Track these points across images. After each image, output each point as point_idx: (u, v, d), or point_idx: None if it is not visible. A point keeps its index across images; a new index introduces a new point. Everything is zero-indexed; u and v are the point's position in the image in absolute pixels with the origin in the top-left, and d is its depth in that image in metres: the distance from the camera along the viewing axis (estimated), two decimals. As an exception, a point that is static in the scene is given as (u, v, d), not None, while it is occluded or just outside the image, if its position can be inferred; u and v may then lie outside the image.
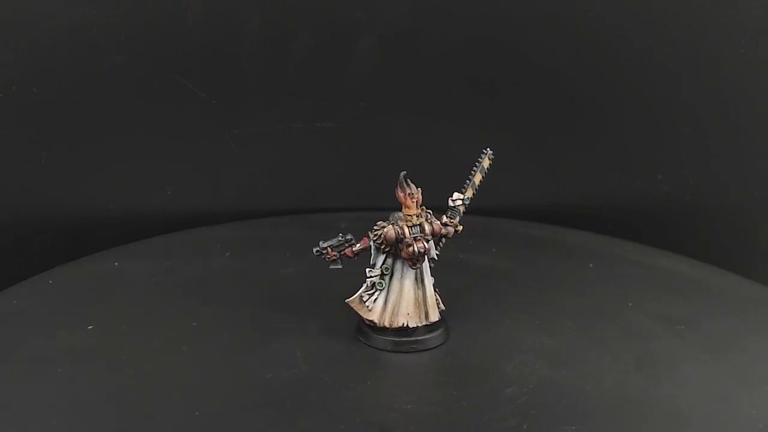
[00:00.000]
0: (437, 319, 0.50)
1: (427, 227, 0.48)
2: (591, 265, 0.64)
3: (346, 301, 0.50)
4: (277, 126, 0.75)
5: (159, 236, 0.69)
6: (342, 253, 0.49)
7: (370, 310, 0.49)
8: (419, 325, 0.49)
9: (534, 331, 0.52)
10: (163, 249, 0.66)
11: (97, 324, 0.51)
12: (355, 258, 0.49)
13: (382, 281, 0.49)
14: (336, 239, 0.49)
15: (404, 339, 0.49)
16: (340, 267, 0.49)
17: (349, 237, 0.49)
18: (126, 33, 0.68)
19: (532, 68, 0.75)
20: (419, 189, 0.48)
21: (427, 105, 0.76)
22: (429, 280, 0.50)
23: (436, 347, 0.50)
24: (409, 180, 0.48)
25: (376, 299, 0.49)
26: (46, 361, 0.47)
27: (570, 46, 0.74)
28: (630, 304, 0.57)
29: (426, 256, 0.49)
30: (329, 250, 0.48)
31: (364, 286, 0.49)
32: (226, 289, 0.57)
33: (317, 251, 0.49)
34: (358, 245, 0.49)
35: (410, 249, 0.47)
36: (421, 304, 0.49)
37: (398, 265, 0.49)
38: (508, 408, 0.44)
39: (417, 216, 0.48)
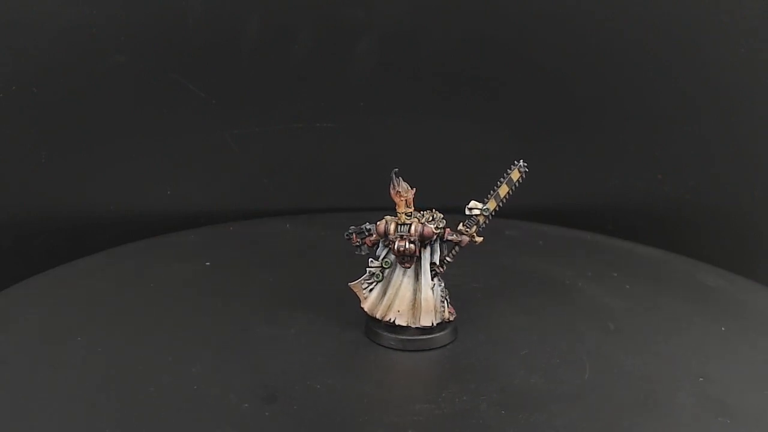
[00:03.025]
0: (430, 325, 0.49)
1: (414, 228, 0.48)
2: (723, 328, 0.54)
3: (349, 284, 0.51)
4: (277, 126, 0.75)
5: (285, 216, 0.75)
6: (362, 241, 0.50)
7: (365, 299, 0.50)
8: (411, 325, 0.50)
9: (536, 368, 0.47)
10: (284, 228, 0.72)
11: (215, 262, 0.62)
12: (373, 248, 0.51)
13: (380, 273, 0.50)
14: (360, 227, 0.50)
15: (389, 334, 0.50)
16: (363, 254, 0.51)
17: (370, 227, 0.50)
18: (126, 33, 0.68)
19: (532, 68, 0.75)
20: (413, 189, 0.48)
21: (427, 105, 0.76)
22: (427, 284, 0.49)
23: (416, 350, 0.49)
24: (400, 179, 0.48)
25: (372, 289, 0.50)
26: (153, 279, 0.58)
27: (570, 46, 0.74)
28: (701, 378, 0.48)
29: (420, 258, 0.49)
30: (354, 236, 0.50)
31: (365, 275, 0.50)
32: (297, 270, 0.62)
33: (346, 235, 0.50)
34: (374, 236, 0.50)
35: (393, 246, 0.48)
36: (418, 306, 0.49)
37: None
38: (400, 420, 0.42)
39: (407, 215, 0.49)
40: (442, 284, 0.50)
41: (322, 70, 0.74)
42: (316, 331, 0.51)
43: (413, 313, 0.50)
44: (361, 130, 0.76)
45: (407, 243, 0.48)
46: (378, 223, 0.49)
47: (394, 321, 0.50)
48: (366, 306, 0.50)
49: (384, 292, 0.50)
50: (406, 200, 0.49)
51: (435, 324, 0.50)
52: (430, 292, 0.49)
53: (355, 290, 0.51)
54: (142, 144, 0.72)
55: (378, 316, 0.50)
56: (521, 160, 0.49)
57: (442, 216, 0.50)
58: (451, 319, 0.50)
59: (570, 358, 0.49)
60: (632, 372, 0.48)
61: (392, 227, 0.49)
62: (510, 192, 0.50)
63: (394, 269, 0.50)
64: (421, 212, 0.49)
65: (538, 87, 0.75)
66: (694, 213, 0.77)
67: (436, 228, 0.49)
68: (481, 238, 0.50)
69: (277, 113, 0.75)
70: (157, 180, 0.74)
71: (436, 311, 0.50)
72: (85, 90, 0.69)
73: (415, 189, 0.49)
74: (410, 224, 0.48)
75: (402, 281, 0.50)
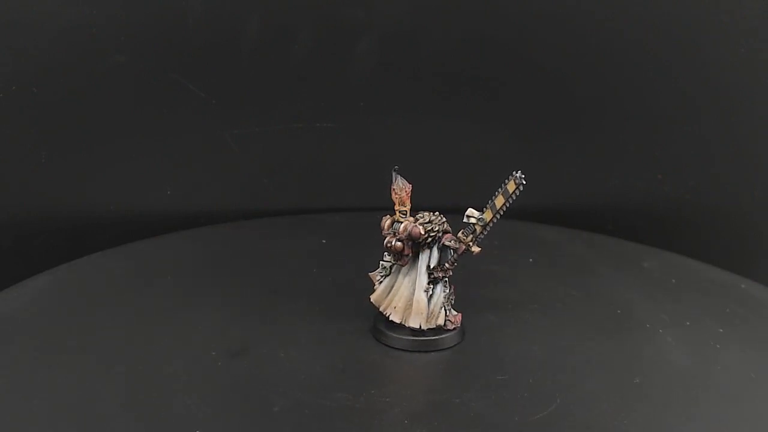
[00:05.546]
0: (418, 327, 0.49)
1: (402, 226, 0.48)
2: None
3: (368, 273, 0.52)
4: (277, 126, 0.75)
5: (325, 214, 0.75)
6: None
7: (374, 290, 0.51)
8: (405, 324, 0.50)
9: (495, 394, 0.45)
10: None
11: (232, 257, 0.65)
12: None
13: (388, 267, 0.51)
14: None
15: (384, 330, 0.50)
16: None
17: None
18: (126, 33, 0.68)
19: (532, 68, 0.75)
20: (409, 187, 0.49)
21: (427, 105, 0.76)
22: (421, 286, 0.49)
23: (405, 350, 0.49)
24: (398, 176, 0.48)
25: (381, 282, 0.51)
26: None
27: (570, 46, 0.74)
28: None
29: (418, 259, 0.49)
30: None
31: (378, 268, 0.51)
32: (313, 266, 0.63)
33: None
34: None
35: (383, 241, 0.49)
36: (410, 305, 0.50)
37: None
38: (311, 401, 0.43)
39: (401, 213, 0.49)
40: (447, 291, 0.50)
41: (322, 70, 0.74)
42: (324, 320, 0.52)
43: (408, 313, 0.50)
44: (361, 130, 0.76)
45: (395, 240, 0.48)
46: (384, 217, 0.50)
47: (389, 316, 0.50)
48: (373, 297, 0.51)
49: (391, 287, 0.51)
50: (400, 198, 0.49)
51: (425, 327, 0.49)
52: (423, 295, 0.49)
53: (373, 280, 0.52)
54: (142, 144, 0.72)
55: (381, 308, 0.51)
56: (518, 171, 0.47)
57: (443, 220, 0.49)
58: (450, 327, 0.50)
59: (543, 397, 0.44)
60: (596, 428, 0.42)
61: (387, 223, 0.49)
62: (507, 203, 0.48)
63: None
64: (422, 213, 0.49)
65: (538, 87, 0.75)
66: (694, 213, 0.77)
67: (429, 230, 0.48)
68: (479, 249, 0.49)
69: (277, 113, 0.75)
70: (157, 180, 0.74)
71: (430, 315, 0.49)
72: (85, 90, 0.69)
73: (410, 187, 0.49)
74: (403, 222, 0.49)
75: (405, 279, 0.50)
